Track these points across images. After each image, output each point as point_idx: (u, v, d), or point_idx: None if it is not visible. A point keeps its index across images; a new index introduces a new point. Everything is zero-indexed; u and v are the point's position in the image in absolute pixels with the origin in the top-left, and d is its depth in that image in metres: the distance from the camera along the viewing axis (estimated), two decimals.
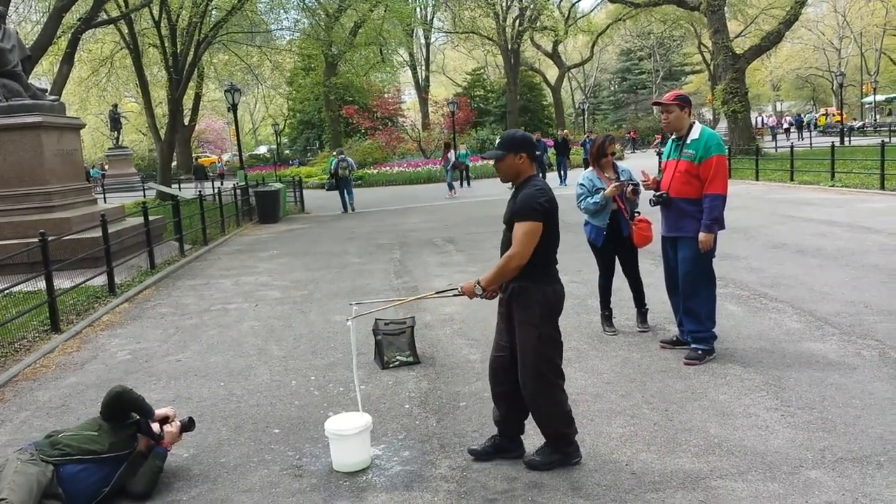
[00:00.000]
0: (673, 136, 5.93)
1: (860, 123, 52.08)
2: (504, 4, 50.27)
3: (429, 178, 33.04)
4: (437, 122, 47.75)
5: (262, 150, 69.31)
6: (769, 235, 11.47)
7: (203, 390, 5.92)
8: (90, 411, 5.36)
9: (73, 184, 12.96)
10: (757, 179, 21.50)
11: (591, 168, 6.70)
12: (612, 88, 75.44)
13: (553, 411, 4.10)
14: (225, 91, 25.26)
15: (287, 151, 59.03)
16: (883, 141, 20.25)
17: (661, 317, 6.95)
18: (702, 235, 5.59)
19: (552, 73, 57.73)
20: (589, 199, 6.48)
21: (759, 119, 56.65)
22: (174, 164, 40.09)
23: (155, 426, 4.39)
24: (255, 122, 76.12)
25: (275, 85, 47.22)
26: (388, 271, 10.79)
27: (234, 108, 24.52)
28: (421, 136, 43.95)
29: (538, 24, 49.78)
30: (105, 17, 23.68)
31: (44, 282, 8.28)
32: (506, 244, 4.08)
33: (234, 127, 32.12)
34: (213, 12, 27.75)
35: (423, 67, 59.72)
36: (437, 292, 4.91)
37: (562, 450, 4.13)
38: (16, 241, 10.62)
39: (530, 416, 4.24)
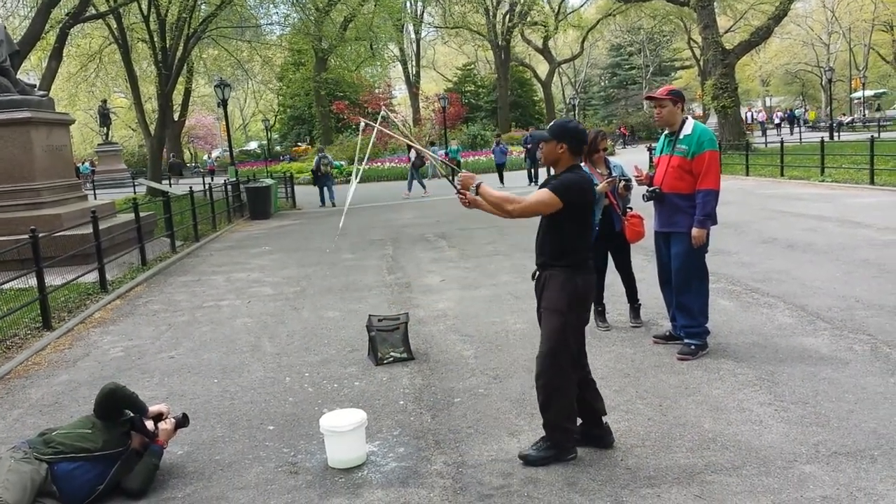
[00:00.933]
0: (666, 132, 5.95)
1: (849, 119, 52.30)
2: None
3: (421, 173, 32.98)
4: (427, 118, 47.71)
5: (253, 145, 69.06)
6: (760, 230, 11.51)
7: (197, 387, 5.90)
8: (83, 409, 5.35)
9: (62, 180, 12.88)
10: (747, 175, 21.58)
11: (583, 163, 6.69)
12: (603, 84, 75.54)
13: (557, 400, 4.08)
14: (215, 86, 25.13)
15: (278, 147, 58.86)
16: (872, 136, 20.37)
17: (654, 312, 6.97)
18: (694, 230, 5.61)
19: (543, 68, 57.78)
20: None
21: (749, 114, 56.81)
22: (175, 159, 39.85)
23: (149, 423, 4.37)
24: (246, 118, 75.84)
25: (265, 80, 46.97)
26: (381, 267, 10.78)
27: (223, 103, 24.40)
28: (412, 132, 43.88)
29: (528, 19, 49.84)
30: (93, 11, 23.52)
31: (35, 279, 8.24)
32: (540, 240, 4.20)
33: (224, 122, 31.99)
34: (203, 7, 27.56)
35: (414, 62, 59.62)
36: (445, 172, 5.01)
37: (559, 444, 4.12)
38: (6, 238, 10.54)
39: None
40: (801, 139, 35.17)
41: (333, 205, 22.17)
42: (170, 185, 26.77)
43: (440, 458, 4.32)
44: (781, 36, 55.40)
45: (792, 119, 49.92)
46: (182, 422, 4.54)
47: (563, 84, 73.95)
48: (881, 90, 62.65)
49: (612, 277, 6.82)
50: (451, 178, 4.88)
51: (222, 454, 4.59)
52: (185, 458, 4.56)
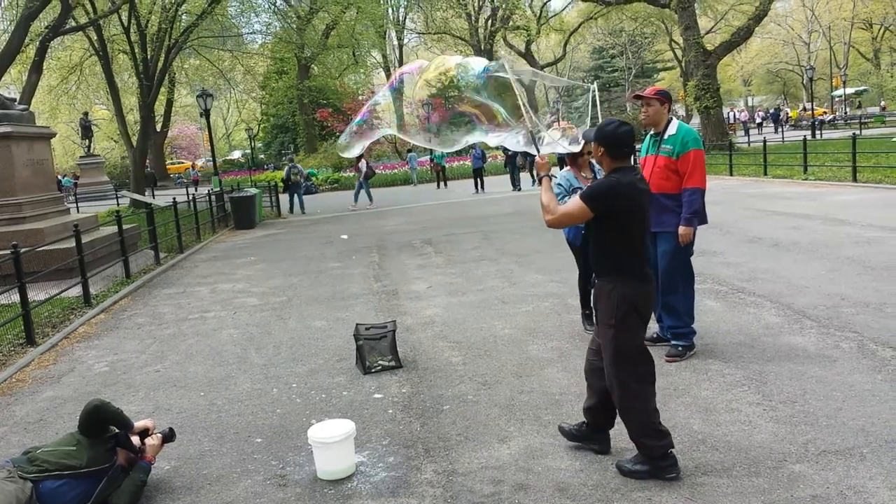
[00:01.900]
0: (651, 132, 5.97)
1: (831, 116, 52.74)
2: (476, 4, 50.43)
3: (405, 179, 32.99)
4: (412, 123, 47.68)
5: (237, 154, 68.83)
6: (745, 230, 11.56)
7: (183, 401, 5.84)
8: (68, 425, 5.27)
9: (44, 194, 12.77)
10: (731, 174, 21.69)
11: (567, 168, 6.70)
12: (586, 87, 75.70)
13: (636, 419, 3.91)
14: (197, 96, 25.06)
15: (261, 156, 58.67)
16: (854, 134, 20.53)
17: None
18: (681, 229, 5.62)
19: None
20: (567, 198, 6.48)
21: (732, 114, 57.20)
22: (150, 170, 39.59)
23: (134, 438, 4.32)
24: (229, 127, 75.54)
25: (247, 89, 46.90)
26: (368, 275, 10.74)
27: (206, 113, 24.31)
28: (396, 138, 43.87)
29: (510, 23, 49.98)
30: (73, 24, 23.37)
31: (17, 294, 8.15)
32: (590, 251, 4.14)
33: (207, 132, 31.86)
34: (184, 17, 27.48)
35: (397, 69, 59.64)
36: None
37: (653, 461, 3.88)
38: None
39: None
40: (783, 138, 35.41)
41: (303, 212, 22.88)
42: (153, 196, 26.64)
43: (430, 467, 4.29)
44: (762, 35, 55.90)
45: (776, 118, 50.27)
46: (169, 436, 4.49)
47: (547, 87, 74.16)
48: (862, 87, 63.26)
49: None
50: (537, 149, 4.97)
51: (210, 468, 4.55)
52: (173, 474, 4.51)
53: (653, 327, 6.37)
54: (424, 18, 51.56)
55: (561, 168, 6.87)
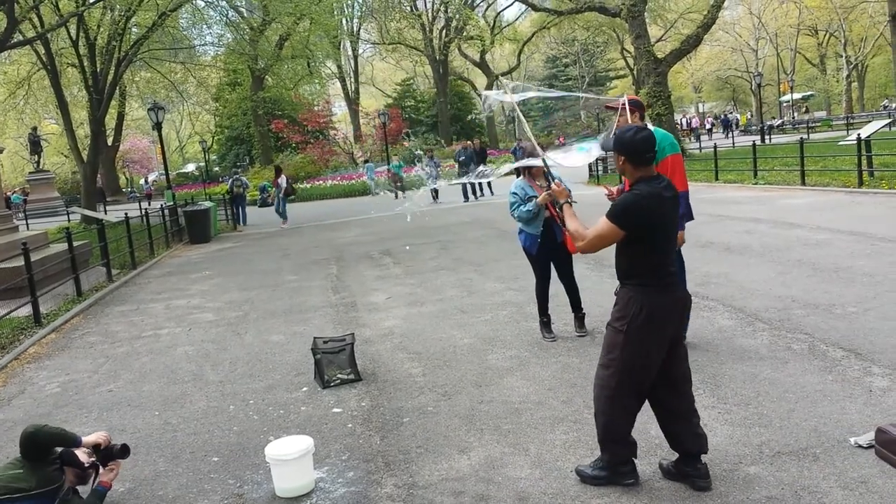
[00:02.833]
0: None
1: (779, 122, 53.99)
2: (430, 16, 50.58)
3: (363, 190, 32.88)
4: (368, 134, 47.61)
5: (191, 167, 67.90)
6: (697, 235, 11.73)
7: (137, 421, 5.72)
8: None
9: None
10: None
11: (522, 176, 6.74)
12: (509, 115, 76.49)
13: (601, 416, 3.88)
14: (148, 109, 24.64)
15: (216, 168, 57.98)
16: (802, 138, 21.04)
17: (598, 320, 7.02)
18: (679, 234, 5.74)
19: (481, 81, 58.24)
20: (522, 207, 6.52)
21: (685, 120, 58.19)
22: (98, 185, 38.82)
23: (81, 453, 4.19)
24: (182, 140, 74.57)
25: (200, 101, 46.36)
26: (326, 287, 10.66)
27: (158, 126, 23.94)
28: (353, 149, 43.74)
29: (464, 33, 50.28)
30: (20, 38, 22.85)
31: None
32: (617, 262, 3.91)
33: (159, 145, 31.41)
34: (133, 29, 27.05)
35: (353, 79, 59.53)
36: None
37: (613, 467, 3.89)
38: None
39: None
40: (734, 143, 36.13)
41: (244, 225, 23.10)
42: (105, 211, 26.15)
43: (390, 481, 4.26)
44: (711, 43, 56.98)
45: (727, 123, 51.30)
46: (120, 453, 4.33)
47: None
48: (808, 93, 64.90)
49: (556, 287, 6.85)
50: (550, 177, 4.87)
51: (165, 489, 4.45)
52: (127, 496, 4.41)
53: None
54: (379, 29, 51.58)
55: (517, 177, 6.90)
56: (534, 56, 67.25)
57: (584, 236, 3.84)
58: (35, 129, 38.70)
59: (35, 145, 37.73)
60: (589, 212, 4.84)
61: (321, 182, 36.54)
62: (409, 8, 51.50)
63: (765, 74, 56.73)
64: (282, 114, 45.28)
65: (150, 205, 30.73)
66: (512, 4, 55.74)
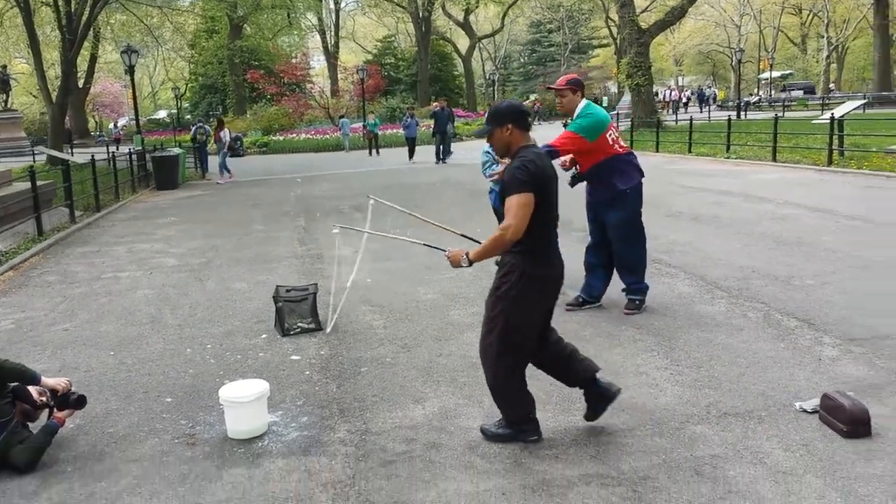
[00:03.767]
0: (568, 119, 6.17)
1: (756, 98, 54.22)
2: None
3: (336, 145, 32.57)
4: (346, 90, 47.00)
5: (162, 114, 66.72)
6: (667, 205, 11.81)
7: (91, 360, 5.66)
8: None
9: None
10: (657, 151, 22.12)
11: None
12: (522, 60, 76.02)
13: (495, 384, 3.90)
14: (122, 52, 24.11)
15: (188, 116, 57.02)
16: (776, 115, 21.16)
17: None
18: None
19: (463, 42, 57.71)
20: (494, 166, 6.51)
21: (665, 93, 58.22)
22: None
23: (34, 391, 4.16)
24: (155, 86, 73.21)
25: (176, 47, 45.31)
26: (293, 238, 10.59)
27: (131, 70, 23.47)
28: (329, 103, 43.19)
29: None
30: None
31: None
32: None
33: (131, 90, 30.70)
34: None
35: (333, 33, 58.58)
36: (447, 233, 4.81)
37: (514, 425, 3.93)
38: None
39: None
40: (709, 118, 36.25)
41: (205, 173, 22.59)
42: (71, 153, 25.65)
43: (344, 427, 4.27)
44: (695, 17, 56.85)
45: (701, 97, 51.42)
46: (76, 403, 4.30)
47: (483, 59, 74.09)
48: (787, 71, 65.12)
49: None
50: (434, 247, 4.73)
51: (116, 427, 4.43)
52: (77, 432, 4.38)
53: (572, 294, 6.49)
54: None
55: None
56: (518, 20, 66.54)
57: (506, 225, 3.62)
58: (4, 67, 37.62)
59: (4, 84, 36.71)
60: None
61: (295, 135, 36.11)
62: None
63: (746, 51, 56.81)
64: (258, 64, 44.56)
65: (118, 149, 30.19)
66: None
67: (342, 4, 59.06)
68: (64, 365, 5.56)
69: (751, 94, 58.26)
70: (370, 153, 27.83)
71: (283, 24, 43.16)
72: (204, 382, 5.09)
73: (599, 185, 6.08)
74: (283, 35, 48.24)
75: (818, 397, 4.08)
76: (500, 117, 3.79)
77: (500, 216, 6.78)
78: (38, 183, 11.82)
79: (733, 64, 57.19)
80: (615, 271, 6.32)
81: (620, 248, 6.14)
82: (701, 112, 43.68)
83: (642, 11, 40.75)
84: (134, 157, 20.06)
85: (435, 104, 27.35)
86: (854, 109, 19.48)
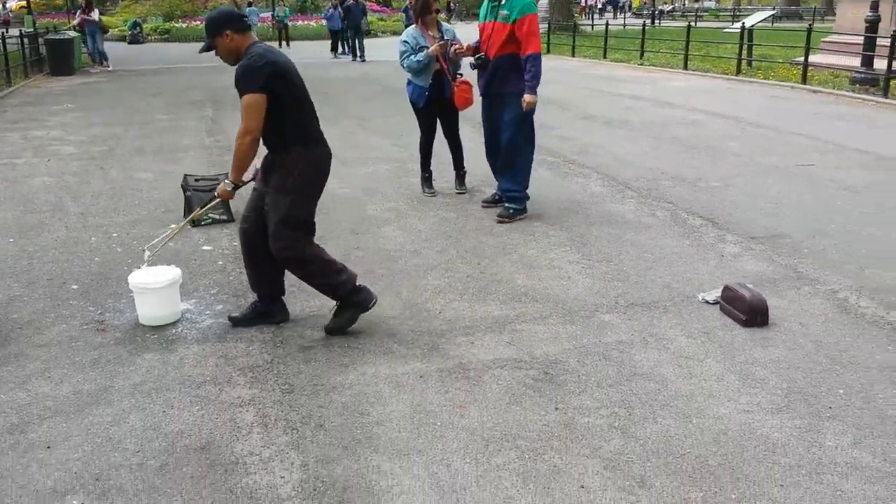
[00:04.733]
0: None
1: (670, 7, 54.60)
2: None
3: None
4: None
5: None
6: (581, 108, 11.93)
7: None
8: None
9: None
10: (573, 56, 22.14)
11: (414, 25, 6.53)
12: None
13: (309, 268, 3.94)
14: None
15: None
16: (689, 24, 21.39)
17: (479, 180, 7.10)
18: (527, 96, 5.69)
19: None
20: (412, 56, 6.34)
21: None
22: None
23: None
24: None
25: None
26: (200, 129, 10.20)
27: None
28: None
29: None
30: None
31: None
32: (267, 137, 3.84)
33: None
34: None
35: None
36: (202, 208, 4.78)
37: (350, 301, 3.96)
38: None
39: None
40: (624, 25, 36.36)
41: (93, 60, 20.73)
42: None
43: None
44: None
45: (616, 4, 51.40)
46: None
47: None
48: None
49: (439, 146, 6.81)
50: (209, 204, 4.60)
51: (21, 313, 4.27)
52: None
53: (490, 191, 6.55)
54: None
55: (407, 25, 6.67)
56: None
57: (240, 130, 3.66)
58: None
59: None
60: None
61: (199, 22, 34.21)
62: None
63: None
64: None
65: (7, 31, 27.96)
66: None
67: None
68: None
69: (665, 3, 58.55)
70: (279, 45, 26.74)
71: None
72: (111, 270, 4.94)
73: (504, 78, 5.87)
74: None
75: (720, 289, 4.30)
76: (216, 27, 3.71)
77: (418, 110, 6.69)
78: None
79: None
80: (495, 175, 6.32)
81: (508, 147, 5.97)
82: (615, 18, 43.74)
83: None
84: (25, 39, 18.66)
85: None
86: (763, 21, 19.89)
